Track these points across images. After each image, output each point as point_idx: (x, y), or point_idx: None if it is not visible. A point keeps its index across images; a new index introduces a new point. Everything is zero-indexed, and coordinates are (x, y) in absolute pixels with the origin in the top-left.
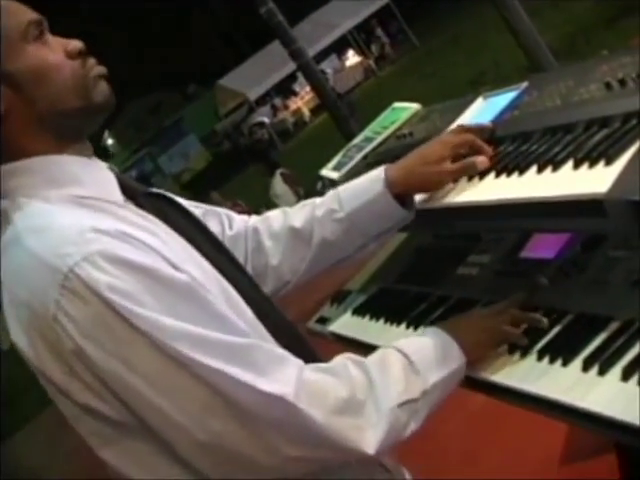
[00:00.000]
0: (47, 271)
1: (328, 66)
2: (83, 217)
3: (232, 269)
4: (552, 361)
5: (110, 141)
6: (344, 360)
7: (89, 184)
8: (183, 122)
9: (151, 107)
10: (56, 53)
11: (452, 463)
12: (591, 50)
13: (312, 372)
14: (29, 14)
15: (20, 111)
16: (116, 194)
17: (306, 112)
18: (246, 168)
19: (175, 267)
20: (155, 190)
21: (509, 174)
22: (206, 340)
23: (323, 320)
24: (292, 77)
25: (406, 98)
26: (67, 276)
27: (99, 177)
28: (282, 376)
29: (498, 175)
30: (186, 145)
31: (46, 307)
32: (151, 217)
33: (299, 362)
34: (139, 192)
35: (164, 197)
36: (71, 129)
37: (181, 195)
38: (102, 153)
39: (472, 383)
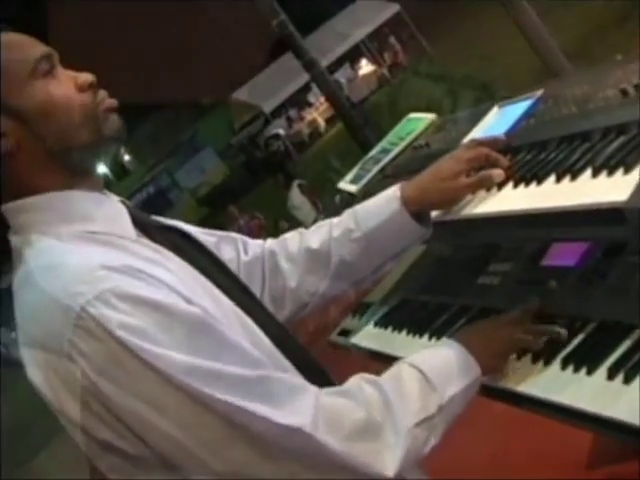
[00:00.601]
0: (60, 311)
1: (342, 76)
2: (94, 254)
3: (247, 300)
4: (576, 370)
5: (127, 157)
6: (359, 381)
7: (100, 219)
8: (199, 136)
9: (167, 122)
10: (66, 87)
11: (478, 467)
12: (604, 51)
13: (328, 397)
14: (39, 49)
15: (30, 147)
16: (128, 228)
17: (321, 122)
18: (263, 181)
19: (188, 301)
20: (168, 222)
21: (527, 184)
22: (220, 375)
23: (345, 332)
24: (306, 88)
25: (420, 106)
26: (80, 315)
27: (110, 212)
28: (299, 406)
29: (516, 185)
30: (203, 159)
31: (60, 346)
32: (164, 251)
33: (315, 389)
34: (152, 225)
35: (177, 230)
36: (82, 164)
37: (198, 210)
38: (120, 170)
39: (496, 393)
